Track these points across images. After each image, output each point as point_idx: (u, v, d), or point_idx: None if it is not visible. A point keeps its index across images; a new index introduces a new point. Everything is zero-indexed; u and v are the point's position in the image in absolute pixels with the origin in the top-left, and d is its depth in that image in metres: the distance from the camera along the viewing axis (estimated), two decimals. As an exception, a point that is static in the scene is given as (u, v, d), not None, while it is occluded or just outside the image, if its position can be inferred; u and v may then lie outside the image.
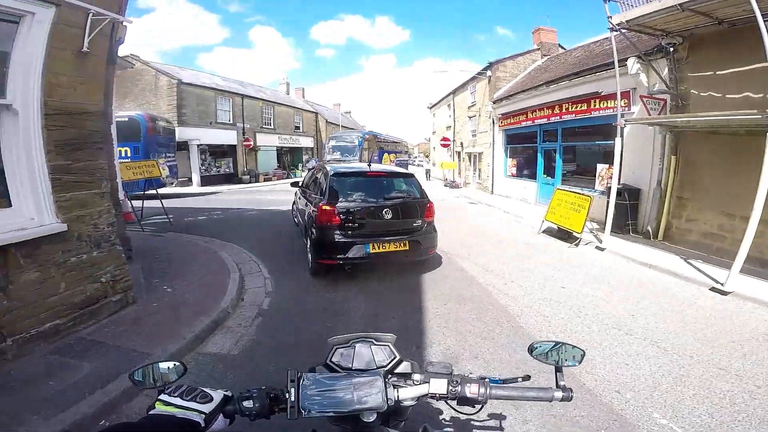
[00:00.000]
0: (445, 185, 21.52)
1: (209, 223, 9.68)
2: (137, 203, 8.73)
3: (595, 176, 9.96)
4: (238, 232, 8.26)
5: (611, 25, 6.77)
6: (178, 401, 0.84)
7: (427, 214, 5.48)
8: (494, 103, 15.96)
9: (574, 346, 1.06)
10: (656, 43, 7.47)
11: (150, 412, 0.83)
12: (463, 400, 0.96)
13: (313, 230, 5.20)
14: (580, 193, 8.03)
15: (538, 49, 18.19)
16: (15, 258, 2.93)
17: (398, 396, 0.92)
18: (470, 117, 20.26)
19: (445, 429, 2.03)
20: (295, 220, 7.99)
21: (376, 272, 5.48)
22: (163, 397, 0.86)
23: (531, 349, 1.08)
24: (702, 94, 6.88)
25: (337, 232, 4.97)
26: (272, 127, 27.27)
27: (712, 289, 4.98)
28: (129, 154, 14.93)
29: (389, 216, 5.13)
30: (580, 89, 10.31)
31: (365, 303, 4.49)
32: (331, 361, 1.01)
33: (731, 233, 6.25)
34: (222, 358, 3.24)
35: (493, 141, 16.34)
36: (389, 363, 1.01)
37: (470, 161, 20.82)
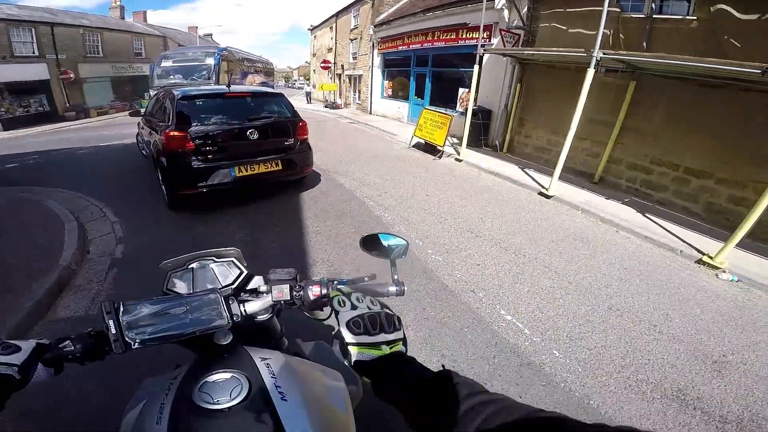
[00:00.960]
0: (326, 106, 20.68)
1: (23, 170, 7.21)
2: None
3: (456, 98, 10.60)
4: (68, 176, 6.42)
5: None
6: None
7: (301, 132, 5.11)
8: (375, 27, 15.36)
9: (396, 236, 1.00)
10: None
11: None
12: (312, 305, 0.85)
13: (164, 160, 4.46)
14: (443, 113, 8.46)
15: None
16: None
17: (245, 311, 0.80)
18: (352, 40, 19.21)
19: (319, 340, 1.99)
20: (143, 152, 6.73)
21: (251, 197, 4.97)
22: None
23: (363, 243, 0.99)
24: (549, 31, 7.40)
25: (194, 158, 4.34)
26: (101, 55, 21.44)
27: (540, 193, 5.81)
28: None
29: (256, 137, 4.62)
30: (452, 20, 10.45)
31: (240, 231, 4.05)
32: (167, 288, 0.87)
33: (556, 147, 7.31)
34: (80, 321, 2.62)
35: (372, 64, 16.01)
36: (235, 280, 0.89)
37: (350, 83, 20.10)
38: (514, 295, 3.09)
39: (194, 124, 4.42)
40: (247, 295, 0.87)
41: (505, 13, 8.31)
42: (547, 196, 5.69)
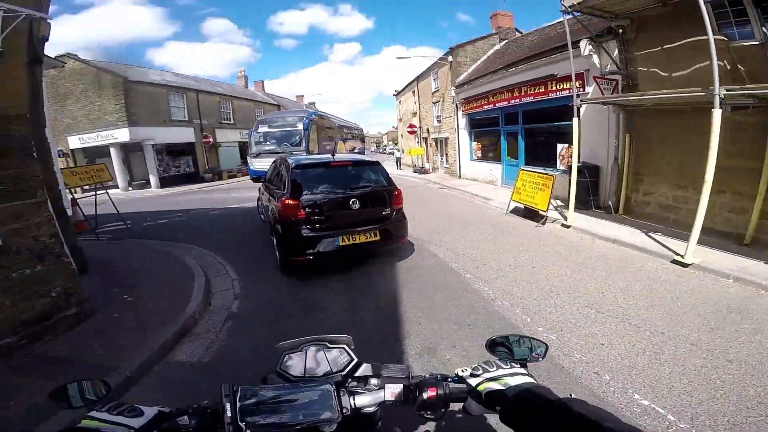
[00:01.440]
0: (415, 171, 21.66)
1: (170, 226, 9.19)
2: (90, 210, 8.14)
3: (556, 156, 10.26)
4: (202, 233, 7.92)
5: (563, 8, 6.90)
6: (104, 416, 0.76)
7: (396, 201, 5.39)
8: (456, 87, 16.03)
9: (533, 339, 1.00)
10: (606, 25, 7.69)
11: (76, 426, 0.74)
12: (425, 405, 0.86)
13: (279, 227, 5.02)
14: (543, 173, 8.24)
15: (496, 33, 18.35)
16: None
17: (354, 404, 0.84)
18: (434, 103, 20.29)
19: None
20: (261, 216, 7.76)
21: (348, 265, 5.35)
22: (91, 414, 0.78)
23: (491, 345, 1.00)
24: (650, 73, 7.13)
25: (304, 226, 4.79)
26: (232, 122, 26.20)
27: (674, 261, 5.13)
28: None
29: (357, 206, 4.98)
30: (538, 72, 10.49)
31: (339, 297, 4.38)
32: (281, 368, 0.94)
33: (685, 204, 6.57)
34: (193, 366, 3.07)
35: (458, 126, 16.45)
36: (345, 367, 0.94)
37: (437, 146, 20.95)
38: (651, 377, 2.80)
39: (305, 192, 4.94)
40: (355, 383, 0.92)
41: (594, 59, 8.20)
42: (684, 264, 5.00)
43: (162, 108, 20.82)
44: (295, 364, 0.94)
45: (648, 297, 4.17)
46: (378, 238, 5.08)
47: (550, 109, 10.40)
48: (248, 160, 15.95)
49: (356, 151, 22.72)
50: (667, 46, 6.64)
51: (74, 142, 19.65)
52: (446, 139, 18.80)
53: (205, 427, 0.80)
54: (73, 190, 8.03)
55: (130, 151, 20.34)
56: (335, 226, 4.89)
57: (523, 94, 11.29)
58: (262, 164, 15.17)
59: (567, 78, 9.13)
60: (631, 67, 7.55)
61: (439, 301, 4.21)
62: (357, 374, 0.94)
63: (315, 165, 5.49)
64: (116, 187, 18.40)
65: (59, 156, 11.35)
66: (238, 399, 0.78)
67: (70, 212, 6.48)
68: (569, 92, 9.09)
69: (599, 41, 7.94)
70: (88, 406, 0.82)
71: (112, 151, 19.19)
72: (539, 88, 10.52)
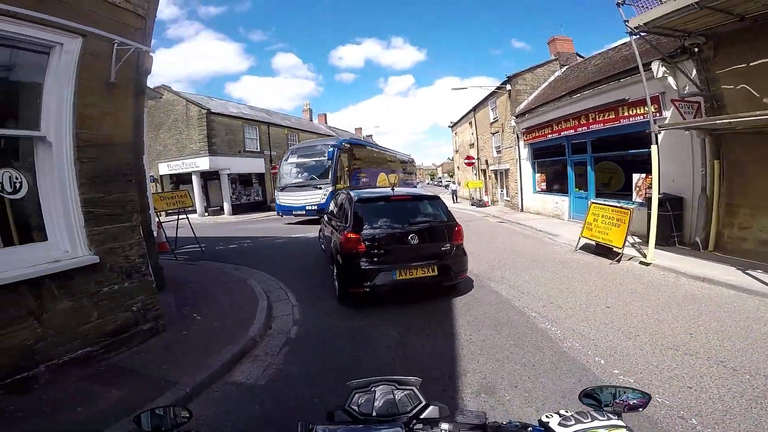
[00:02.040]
0: (472, 204, 21.18)
1: (239, 251, 9.82)
2: (171, 233, 8.99)
3: (631, 187, 9.50)
4: (267, 259, 8.33)
5: (629, 29, 6.56)
6: None
7: (456, 237, 5.30)
8: (517, 117, 15.69)
9: (634, 390, 0.94)
10: (679, 45, 7.18)
11: None
12: None
13: (339, 258, 5.14)
14: (618, 206, 7.60)
15: (556, 59, 17.89)
16: (49, 288, 2.98)
17: None
18: (493, 133, 20.00)
19: None
20: (322, 246, 8.08)
21: (405, 299, 5.27)
22: None
23: (584, 396, 0.97)
24: (737, 91, 6.42)
25: (363, 259, 4.85)
26: None
27: None
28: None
29: (416, 241, 4.98)
30: (606, 97, 9.99)
31: (394, 330, 4.30)
32: (349, 406, 0.94)
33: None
34: (249, 388, 3.13)
35: (519, 156, 15.98)
36: (413, 409, 0.93)
37: (497, 179, 20.43)
38: (749, 423, 2.51)
39: (365, 226, 5.05)
40: (421, 426, 0.90)
41: (670, 80, 7.61)
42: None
43: (237, 139, 22.84)
44: (364, 403, 0.94)
45: (747, 338, 3.70)
46: (436, 273, 5.01)
47: (623, 136, 9.77)
48: (275, 194, 15.48)
49: (406, 183, 22.33)
50: (756, 62, 6.01)
51: (163, 168, 22.14)
52: (507, 170, 18.30)
53: None
54: (158, 213, 8.94)
55: (208, 178, 22.38)
56: (393, 260, 4.93)
57: (591, 121, 10.75)
58: (289, 199, 14.70)
59: (640, 102, 8.56)
60: (714, 88, 6.89)
61: (500, 339, 3.97)
62: (423, 416, 0.92)
63: (376, 199, 5.61)
64: (194, 212, 20.16)
65: (150, 181, 12.72)
66: None
67: (155, 233, 7.19)
68: (643, 117, 8.48)
69: (673, 62, 7.39)
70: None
71: (194, 178, 21.26)
72: (609, 114, 9.95)
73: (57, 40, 3.00)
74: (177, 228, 9.34)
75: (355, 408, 0.94)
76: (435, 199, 5.80)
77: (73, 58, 3.10)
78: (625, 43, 11.39)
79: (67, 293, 3.09)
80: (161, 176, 22.31)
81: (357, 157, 16.62)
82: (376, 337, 4.12)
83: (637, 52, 6.76)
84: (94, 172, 3.34)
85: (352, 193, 5.69)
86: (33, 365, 2.84)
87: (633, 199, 9.27)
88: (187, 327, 4.19)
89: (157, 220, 8.53)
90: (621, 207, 7.47)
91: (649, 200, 6.92)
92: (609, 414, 0.84)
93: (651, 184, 6.94)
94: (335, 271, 5.43)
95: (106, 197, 3.45)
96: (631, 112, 9.18)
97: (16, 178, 2.94)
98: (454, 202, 23.55)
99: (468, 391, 3.01)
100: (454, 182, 29.73)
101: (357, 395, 0.96)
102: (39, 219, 3.10)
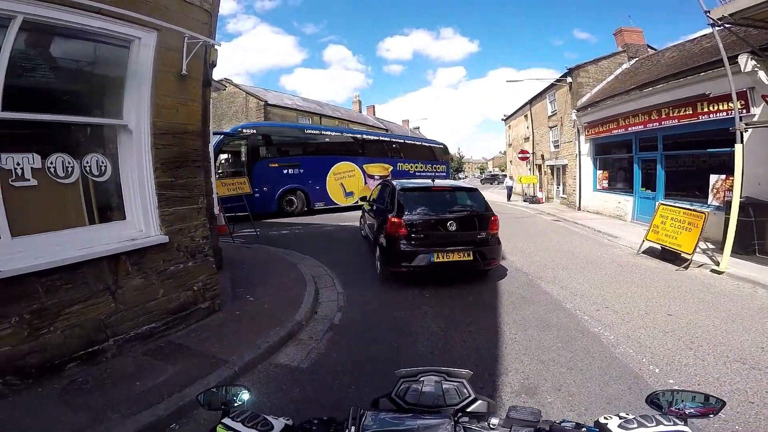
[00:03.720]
0: (524, 200, 20.28)
1: (291, 237, 10.20)
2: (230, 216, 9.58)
3: (705, 189, 8.72)
4: (316, 246, 8.60)
5: (711, 21, 5.93)
6: (239, 427, 0.83)
7: (492, 227, 5.67)
8: (578, 111, 14.88)
9: (708, 395, 0.87)
10: None
11: None
12: None
13: (383, 240, 5.62)
14: (690, 209, 6.94)
15: (624, 51, 16.71)
16: (125, 265, 3.28)
17: None
18: (551, 127, 19.10)
19: None
20: (362, 233, 8.72)
21: (449, 292, 5.26)
22: (225, 420, 0.85)
23: (651, 400, 0.91)
24: None
25: (404, 242, 5.31)
26: None
27: None
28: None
29: (453, 228, 5.39)
30: (682, 92, 9.18)
31: (436, 323, 4.27)
32: (396, 394, 0.94)
33: None
34: (292, 370, 3.25)
35: (579, 152, 15.16)
36: (461, 402, 0.92)
37: (552, 174, 19.45)
38: None
39: (406, 213, 5.50)
40: (467, 419, 0.89)
41: (761, 75, 6.84)
42: None
43: (293, 130, 23.59)
44: (410, 392, 0.94)
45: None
46: (471, 258, 5.38)
47: (701, 133, 8.98)
48: None
49: (435, 176, 17.63)
50: None
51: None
52: (564, 166, 17.36)
53: None
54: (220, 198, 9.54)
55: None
56: (432, 244, 5.34)
57: (663, 116, 9.96)
58: None
59: (723, 98, 7.80)
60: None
61: (547, 341, 3.81)
62: (470, 410, 0.91)
63: (418, 189, 6.10)
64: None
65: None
66: (363, 422, 0.80)
67: (217, 217, 7.70)
68: (727, 114, 7.75)
69: (766, 55, 6.62)
70: (225, 410, 0.91)
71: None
72: (686, 110, 9.14)
73: (135, 34, 3.25)
74: (236, 212, 9.93)
75: (402, 396, 0.93)
76: (473, 191, 6.29)
77: (150, 52, 3.34)
78: (705, 34, 10.56)
79: (139, 270, 3.38)
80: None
81: (278, 143, 14.08)
82: (417, 329, 4.12)
83: (720, 45, 6.07)
84: (168, 157, 3.61)
85: (395, 183, 6.26)
86: (104, 339, 3.11)
87: (708, 202, 8.48)
88: (240, 307, 4.44)
89: (218, 204, 9.12)
90: (694, 210, 6.82)
91: (728, 204, 6.26)
92: (675, 419, 0.79)
93: (731, 186, 6.28)
94: (377, 252, 5.96)
95: (177, 181, 3.71)
96: (711, 108, 8.37)
97: (102, 163, 3.26)
98: (508, 201, 21.40)
99: (508, 390, 2.94)
100: (510, 177, 25.66)
101: (404, 384, 0.95)
102: (119, 200, 3.43)
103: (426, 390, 0.93)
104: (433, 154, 20.97)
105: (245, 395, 0.98)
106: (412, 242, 5.32)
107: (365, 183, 16.75)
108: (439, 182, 6.19)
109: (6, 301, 2.57)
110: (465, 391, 0.94)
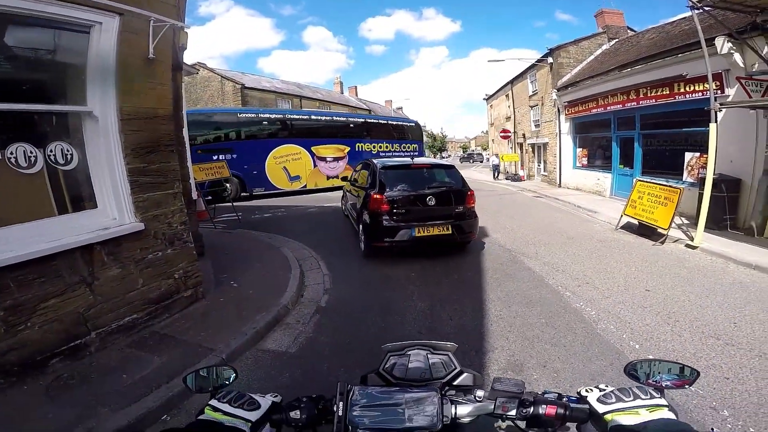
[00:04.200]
0: (507, 178, 20.52)
1: (274, 220, 10.06)
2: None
3: (680, 166, 8.97)
4: (299, 228, 8.53)
5: (691, 3, 6.01)
6: (226, 407, 0.83)
7: (469, 201, 5.90)
8: (558, 90, 15.06)
9: (683, 365, 0.88)
10: (749, 21, 6.58)
11: (199, 417, 0.83)
12: (537, 423, 0.83)
13: (366, 217, 5.80)
14: (666, 185, 7.12)
15: (604, 32, 16.98)
16: (100, 255, 3.14)
17: (455, 413, 0.83)
18: (532, 107, 19.27)
19: None
20: (344, 213, 8.86)
21: (435, 271, 5.29)
22: (213, 402, 0.85)
23: (630, 371, 0.93)
24: None
25: (386, 218, 5.52)
26: None
27: None
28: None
29: (432, 203, 5.63)
30: (661, 72, 9.40)
31: (421, 302, 4.31)
32: (384, 369, 0.95)
33: None
34: (280, 355, 3.24)
35: (560, 131, 15.39)
36: (447, 374, 0.93)
37: (534, 153, 19.67)
38: None
39: (388, 189, 5.69)
40: (454, 392, 0.90)
41: (737, 58, 6.99)
42: None
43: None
44: (397, 366, 0.94)
45: (797, 332, 3.42)
46: (450, 232, 5.64)
47: (677, 113, 9.22)
48: None
49: (405, 155, 17.45)
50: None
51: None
52: (545, 144, 17.58)
53: (311, 423, 0.85)
54: (197, 182, 9.24)
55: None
56: (413, 219, 5.58)
57: (641, 96, 10.19)
58: None
59: (699, 79, 8.03)
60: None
61: (532, 317, 3.89)
62: (456, 383, 0.92)
63: (398, 167, 6.31)
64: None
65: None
66: (351, 398, 0.81)
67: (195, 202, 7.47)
68: (702, 94, 8.00)
69: (742, 38, 6.76)
70: (213, 392, 0.91)
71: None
72: (663, 90, 9.36)
73: (96, 19, 3.05)
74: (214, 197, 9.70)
75: (389, 371, 0.94)
76: (450, 168, 6.52)
77: (112, 36, 3.15)
78: (685, 17, 10.73)
79: (115, 260, 3.25)
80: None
81: (207, 129, 13.95)
82: (404, 309, 4.15)
83: (699, 27, 6.16)
84: (138, 143, 3.43)
85: (375, 161, 6.43)
86: (85, 332, 3.01)
87: (683, 179, 8.74)
88: (223, 294, 4.36)
89: (196, 189, 8.86)
90: (670, 186, 6.99)
91: (702, 180, 6.48)
92: (652, 392, 0.80)
93: (705, 163, 6.48)
94: (361, 229, 6.12)
95: (150, 166, 3.55)
96: (688, 89, 8.61)
97: (68, 151, 3.07)
98: (495, 179, 21.51)
99: (495, 367, 3.00)
100: (495, 155, 25.01)
101: (392, 359, 0.96)
102: (89, 188, 3.25)
103: (413, 364, 0.94)
104: (403, 133, 19.96)
105: (232, 375, 0.98)
106: (394, 218, 5.52)
107: (314, 166, 16.17)
108: (418, 160, 6.56)
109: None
110: (451, 364, 0.94)
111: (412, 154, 18.61)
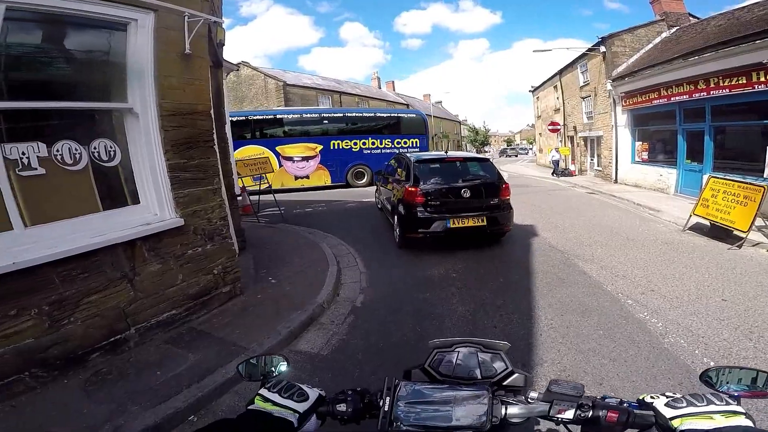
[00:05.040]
0: (553, 173, 19.30)
1: (314, 214, 10.15)
2: (254, 197, 9.53)
3: (760, 161, 7.99)
4: (338, 223, 8.54)
5: None
6: (276, 398, 0.84)
7: (504, 193, 5.94)
8: (614, 81, 14.00)
9: (760, 371, 0.79)
10: None
11: (249, 407, 0.83)
12: (598, 429, 0.77)
13: (401, 208, 5.91)
14: (746, 182, 6.25)
15: (662, 19, 15.52)
16: (141, 251, 3.17)
17: (506, 413, 0.80)
18: (583, 98, 18.09)
19: None
20: (378, 206, 9.21)
21: (477, 272, 4.98)
22: (262, 391, 0.86)
23: (705, 378, 0.84)
24: None
25: (420, 209, 5.62)
26: None
27: None
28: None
29: (467, 195, 5.69)
30: (735, 60, 8.43)
31: (462, 306, 4.01)
32: (429, 365, 0.91)
33: None
34: (312, 357, 3.12)
35: (615, 123, 14.31)
36: (497, 374, 0.88)
37: (586, 146, 18.43)
38: None
39: (422, 182, 5.82)
40: (503, 392, 0.86)
41: None
42: None
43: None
44: (444, 363, 0.91)
45: None
46: (485, 223, 5.68)
47: (756, 104, 8.26)
48: None
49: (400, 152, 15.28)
50: None
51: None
52: (599, 137, 16.42)
53: (356, 416, 0.85)
54: (241, 177, 9.43)
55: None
56: (447, 211, 5.66)
57: (712, 86, 9.26)
58: None
59: None
60: None
61: (587, 328, 3.49)
62: (506, 383, 0.88)
63: (432, 160, 6.46)
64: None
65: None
66: (397, 393, 0.80)
67: (240, 197, 7.64)
68: None
69: None
70: (263, 380, 0.92)
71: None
72: (739, 79, 8.45)
73: (131, 16, 3.07)
74: (260, 191, 9.90)
75: (435, 368, 0.90)
76: (485, 161, 6.69)
77: (148, 32, 3.16)
78: (759, 2, 9.77)
79: (156, 256, 3.27)
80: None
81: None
82: (443, 312, 3.89)
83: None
84: (178, 138, 3.43)
85: (409, 155, 6.65)
86: (125, 328, 3.04)
87: (764, 175, 7.72)
88: (261, 290, 4.32)
89: (240, 185, 9.05)
90: (752, 184, 6.11)
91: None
92: (727, 399, 0.74)
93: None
94: (396, 221, 6.26)
95: (190, 162, 3.55)
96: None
97: (111, 147, 3.12)
98: (555, 176, 18.47)
99: (543, 383, 2.68)
100: (556, 149, 20.61)
101: (438, 355, 0.92)
102: (132, 184, 3.29)
103: (460, 361, 0.90)
104: (399, 127, 17.82)
105: (283, 366, 0.99)
106: (429, 209, 5.62)
107: (280, 166, 15.57)
108: (452, 153, 6.80)
109: (24, 293, 2.50)
110: (502, 363, 0.90)
111: (410, 150, 16.69)
